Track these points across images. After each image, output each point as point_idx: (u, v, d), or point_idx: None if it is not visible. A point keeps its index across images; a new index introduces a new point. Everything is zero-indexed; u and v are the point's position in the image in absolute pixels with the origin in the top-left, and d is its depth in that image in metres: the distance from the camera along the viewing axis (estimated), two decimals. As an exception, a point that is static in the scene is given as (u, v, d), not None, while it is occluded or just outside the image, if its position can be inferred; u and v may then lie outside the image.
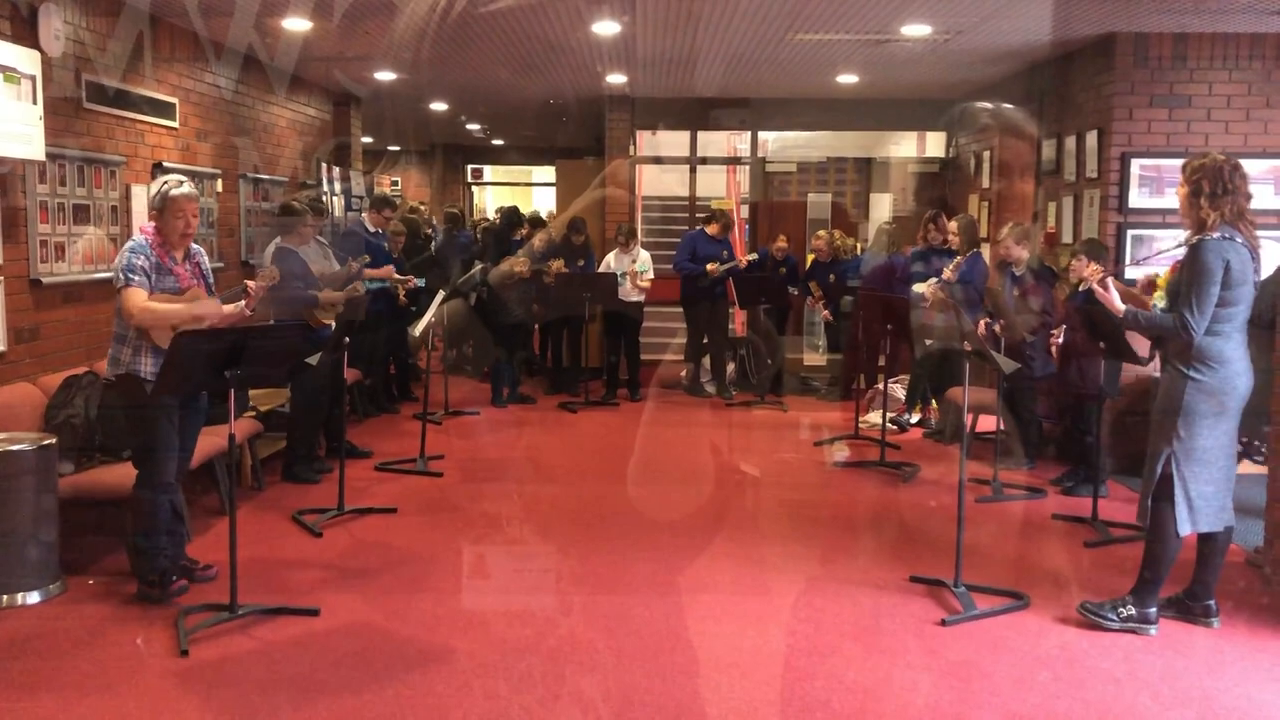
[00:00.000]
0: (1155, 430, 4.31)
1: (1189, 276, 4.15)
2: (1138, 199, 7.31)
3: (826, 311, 9.55)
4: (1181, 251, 4.35)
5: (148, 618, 4.40)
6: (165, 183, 4.59)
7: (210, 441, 5.25)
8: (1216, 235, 4.13)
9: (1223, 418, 4.21)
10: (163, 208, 4.53)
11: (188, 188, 4.60)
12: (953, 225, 7.86)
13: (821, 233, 10.05)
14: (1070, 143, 7.98)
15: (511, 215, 10.25)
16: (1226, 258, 4.10)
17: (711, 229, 9.66)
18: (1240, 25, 6.93)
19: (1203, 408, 4.18)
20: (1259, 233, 4.29)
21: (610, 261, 9.69)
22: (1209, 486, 4.23)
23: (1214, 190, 4.16)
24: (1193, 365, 4.18)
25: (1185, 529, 4.23)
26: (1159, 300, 4.80)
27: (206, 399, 4.86)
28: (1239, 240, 4.14)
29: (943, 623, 4.43)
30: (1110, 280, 4.47)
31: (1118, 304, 4.39)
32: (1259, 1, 6.22)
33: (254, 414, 6.49)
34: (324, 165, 10.37)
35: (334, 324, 6.50)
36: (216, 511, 5.85)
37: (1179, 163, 6.28)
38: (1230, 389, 4.20)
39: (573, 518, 5.99)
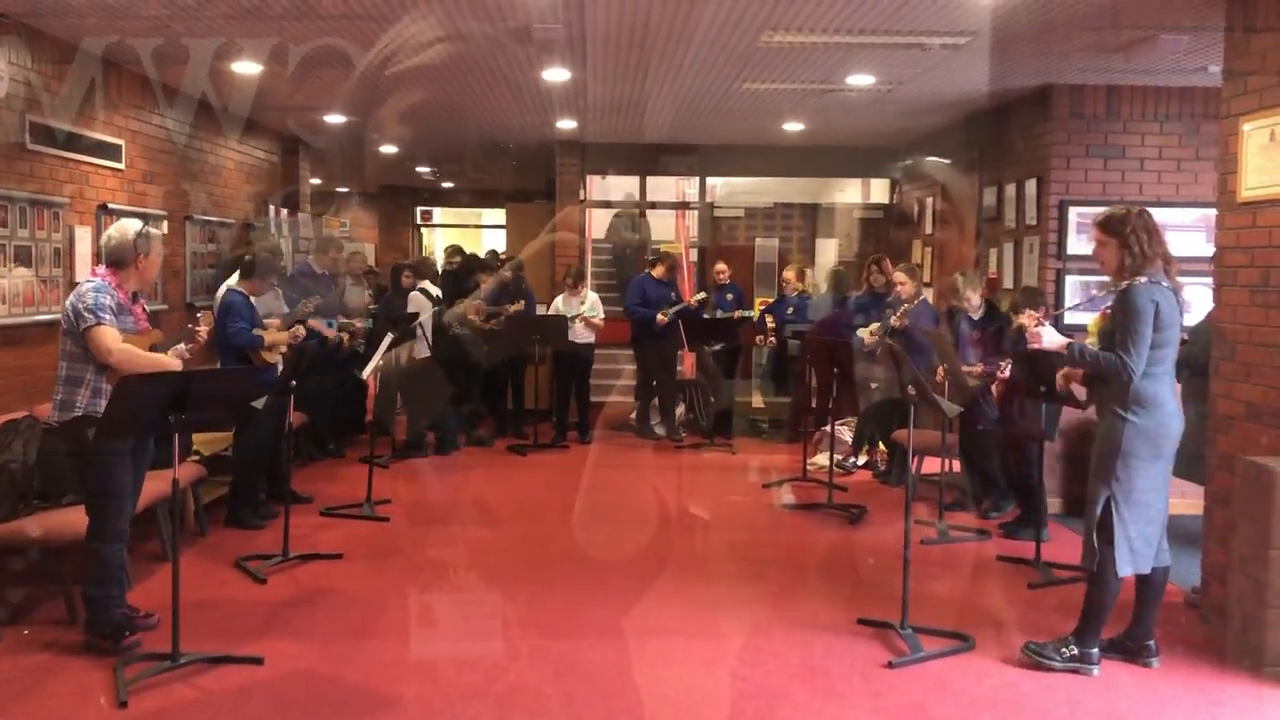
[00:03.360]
0: (1094, 473, 4.41)
1: (1122, 320, 4.28)
2: (1076, 245, 7.49)
3: (772, 339, 9.61)
4: (1108, 299, 4.48)
5: (86, 667, 4.31)
6: (144, 225, 4.66)
7: (153, 486, 5.16)
8: (1144, 280, 4.27)
9: (1158, 460, 4.32)
10: (148, 249, 4.60)
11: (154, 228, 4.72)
12: (899, 275, 7.94)
13: (792, 267, 10.15)
14: (1010, 190, 8.18)
15: (473, 260, 10.29)
16: (1155, 300, 4.24)
17: (657, 271, 9.74)
18: (1169, 80, 7.18)
19: (1140, 450, 4.29)
20: (1189, 279, 4.44)
21: (559, 304, 9.72)
22: (1148, 528, 4.33)
23: (1138, 237, 4.31)
24: (1129, 408, 4.29)
25: (1125, 570, 4.32)
26: (1092, 345, 4.93)
27: (151, 443, 4.80)
28: (1165, 284, 4.28)
29: (890, 665, 4.46)
30: (1047, 323, 4.59)
31: (1059, 338, 4.50)
32: (1184, 60, 6.45)
33: (197, 458, 6.41)
34: (271, 208, 10.32)
35: (279, 364, 6.46)
36: (158, 557, 5.74)
37: (1114, 211, 6.43)
38: (1165, 431, 4.31)
39: (521, 561, 5.96)
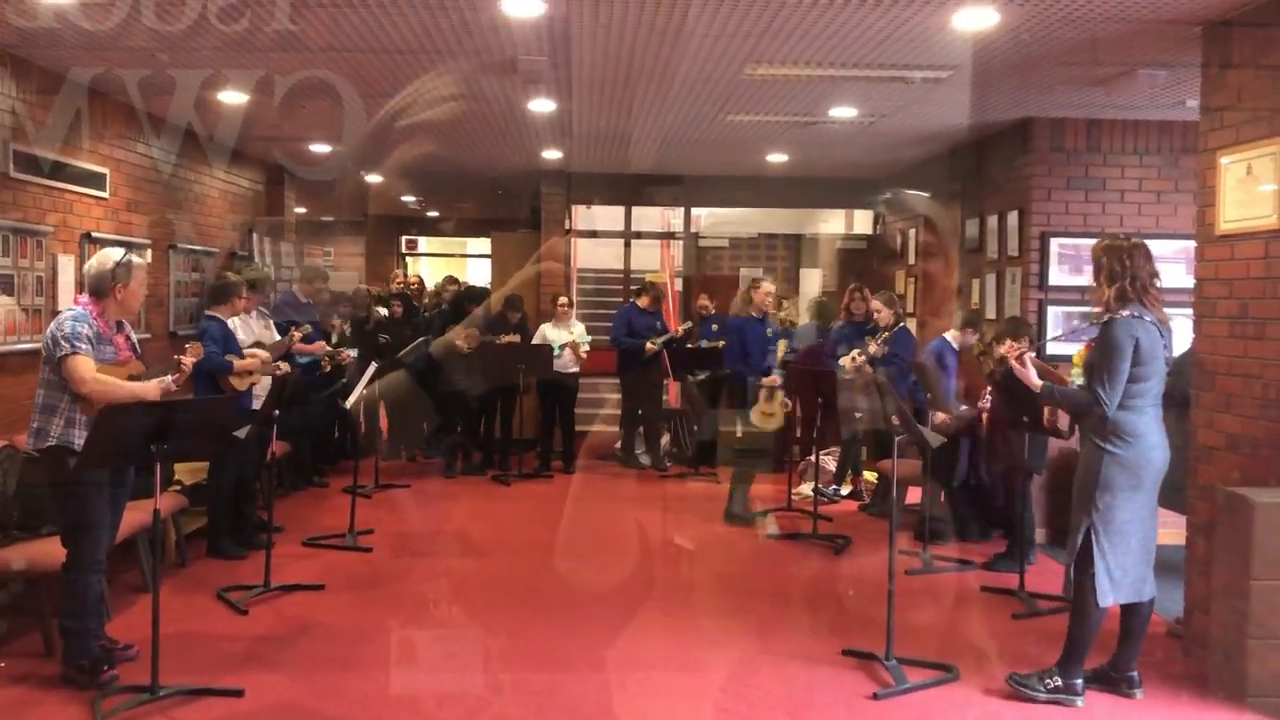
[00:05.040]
0: (1075, 503, 4.43)
1: (1100, 353, 4.31)
2: (1057, 277, 7.55)
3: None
4: (1094, 330, 4.52)
5: (64, 700, 4.26)
6: (126, 253, 4.65)
7: (134, 516, 5.12)
8: (1126, 314, 4.31)
9: (1139, 490, 4.34)
10: (128, 279, 4.57)
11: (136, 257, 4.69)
12: (876, 303, 8.00)
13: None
14: (992, 222, 8.25)
15: (471, 292, 10.36)
16: (1136, 335, 4.27)
17: (643, 301, 9.77)
18: (1148, 114, 7.26)
19: (1119, 480, 4.31)
20: (1170, 310, 4.48)
21: (546, 332, 9.72)
22: (1128, 558, 4.35)
23: (1118, 270, 4.35)
24: (1109, 439, 4.31)
25: (1107, 600, 4.33)
26: (1076, 376, 4.97)
27: (133, 473, 4.77)
28: (1148, 318, 4.32)
29: (874, 696, 4.46)
30: (1028, 357, 4.62)
31: (1034, 379, 4.54)
32: (1163, 95, 6.54)
33: (179, 488, 6.37)
34: (255, 236, 10.32)
35: (250, 393, 6.44)
36: (138, 588, 5.70)
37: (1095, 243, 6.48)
38: (1145, 462, 4.34)
39: (505, 593, 5.93)
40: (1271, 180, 4.63)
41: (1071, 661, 4.44)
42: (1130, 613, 4.48)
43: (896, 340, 7.72)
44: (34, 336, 6.14)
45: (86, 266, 4.68)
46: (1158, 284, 4.41)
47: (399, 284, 11.06)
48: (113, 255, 4.62)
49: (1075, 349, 6.24)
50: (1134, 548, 4.36)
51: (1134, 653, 4.53)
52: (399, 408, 9.83)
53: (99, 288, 4.56)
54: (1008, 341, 5.12)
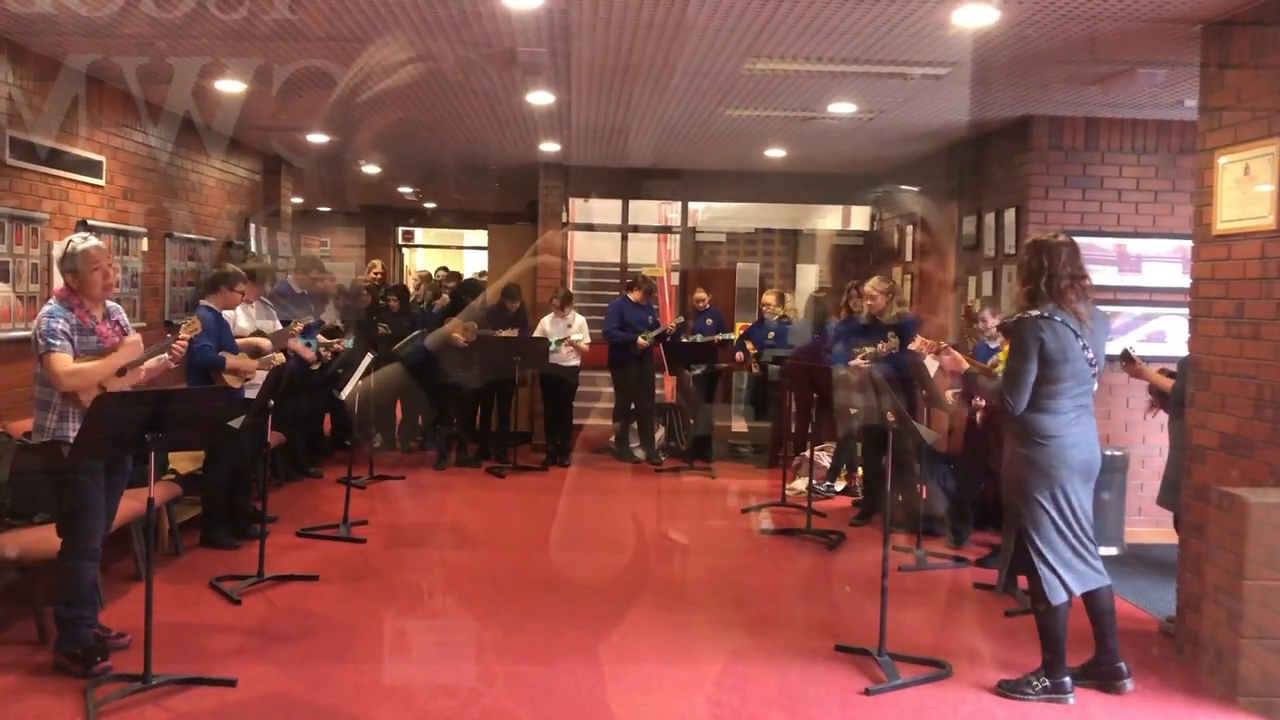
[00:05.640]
0: (1006, 507, 4.47)
1: (1009, 354, 4.33)
2: (1054, 275, 7.54)
3: (755, 366, 9.63)
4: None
5: (56, 688, 4.25)
6: (70, 241, 4.52)
7: (128, 505, 5.10)
8: (1035, 313, 4.29)
9: (1061, 486, 4.31)
10: (75, 265, 4.45)
11: (94, 240, 4.56)
12: (869, 286, 7.74)
13: (771, 291, 10.19)
14: (989, 219, 8.25)
15: (471, 285, 10.35)
16: (1041, 335, 4.25)
17: (634, 295, 9.77)
18: (1147, 113, 7.27)
19: (1035, 480, 4.32)
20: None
21: (546, 326, 9.72)
22: (1066, 552, 4.35)
23: (1034, 269, 4.34)
24: (1024, 441, 4.35)
25: (1059, 596, 4.34)
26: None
27: (130, 462, 4.75)
28: (1058, 319, 4.29)
29: (866, 692, 4.46)
30: (946, 346, 4.67)
31: (960, 362, 4.57)
32: (1162, 94, 6.54)
33: (173, 477, 6.36)
34: (252, 226, 10.29)
35: (241, 389, 6.42)
36: (132, 577, 5.69)
37: (1094, 240, 6.50)
38: (1058, 461, 4.31)
39: (498, 585, 5.93)
40: (1269, 181, 4.63)
41: (1052, 662, 4.45)
42: (1091, 603, 4.48)
43: (903, 332, 7.50)
44: (28, 324, 6.11)
45: None
46: (1085, 283, 4.36)
47: (376, 275, 11.06)
48: (62, 244, 4.54)
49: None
50: (1070, 542, 4.36)
51: (1112, 644, 4.52)
52: (395, 400, 9.84)
53: (63, 277, 4.53)
54: (920, 338, 5.21)
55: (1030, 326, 4.27)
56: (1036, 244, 4.40)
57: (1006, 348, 5.32)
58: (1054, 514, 4.33)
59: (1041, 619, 4.43)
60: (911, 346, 5.08)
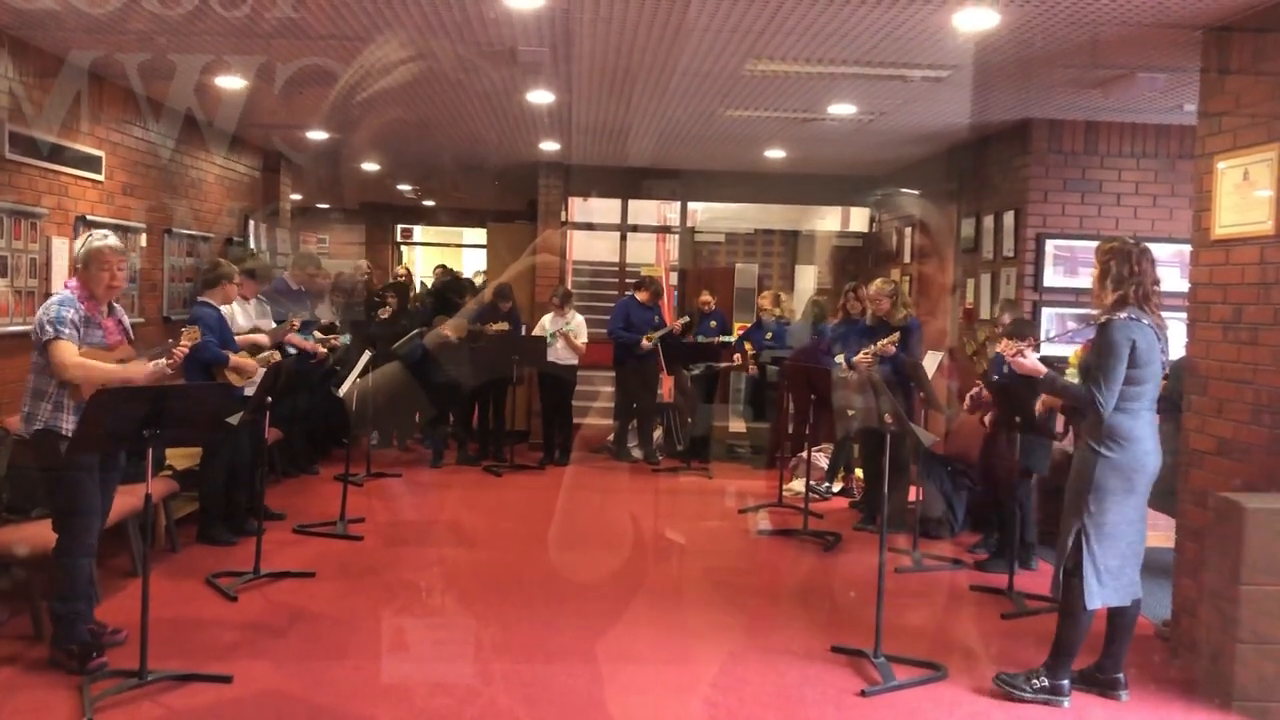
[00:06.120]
0: (1067, 506, 4.44)
1: (1097, 355, 4.32)
2: (1052, 278, 7.57)
3: (754, 366, 9.64)
4: (1091, 331, 4.53)
5: (51, 684, 4.25)
6: (90, 236, 4.57)
7: (124, 500, 5.10)
8: (1123, 316, 4.31)
9: (1131, 494, 4.35)
10: (87, 261, 4.48)
11: (113, 240, 4.58)
12: (873, 289, 7.56)
13: (767, 294, 10.19)
14: (988, 222, 8.26)
15: (456, 283, 10.35)
16: (1133, 337, 4.27)
17: (641, 295, 9.78)
18: (1146, 117, 7.28)
19: (1112, 484, 4.31)
20: (1166, 315, 4.49)
21: (545, 324, 9.72)
22: (1116, 561, 4.36)
23: (1121, 273, 4.35)
24: (1103, 442, 4.32)
25: (1095, 603, 4.34)
26: (1072, 377, 4.97)
27: (125, 457, 4.75)
28: (1145, 321, 4.32)
29: (862, 693, 4.47)
30: (1029, 350, 4.63)
31: (1038, 365, 4.55)
32: (1161, 99, 6.55)
33: (170, 472, 6.35)
34: (251, 222, 10.29)
35: (243, 388, 6.41)
36: (128, 573, 5.69)
37: (1092, 244, 6.49)
38: (1139, 466, 4.34)
39: (495, 584, 5.94)
40: (1268, 186, 4.64)
41: (1059, 663, 4.45)
42: (1117, 614, 4.50)
43: (907, 334, 7.46)
44: (26, 319, 6.11)
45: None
46: (1159, 289, 4.42)
47: (366, 273, 11.08)
48: (93, 239, 4.56)
49: (1071, 350, 6.25)
50: (1123, 551, 4.37)
51: (1120, 654, 4.54)
52: (392, 398, 9.82)
53: (79, 271, 4.55)
54: (1003, 341, 5.13)
55: (1122, 328, 4.28)
56: (1125, 250, 4.39)
57: (1077, 351, 5.27)
58: (1120, 519, 4.33)
59: (1064, 620, 4.43)
60: (999, 348, 5.06)
